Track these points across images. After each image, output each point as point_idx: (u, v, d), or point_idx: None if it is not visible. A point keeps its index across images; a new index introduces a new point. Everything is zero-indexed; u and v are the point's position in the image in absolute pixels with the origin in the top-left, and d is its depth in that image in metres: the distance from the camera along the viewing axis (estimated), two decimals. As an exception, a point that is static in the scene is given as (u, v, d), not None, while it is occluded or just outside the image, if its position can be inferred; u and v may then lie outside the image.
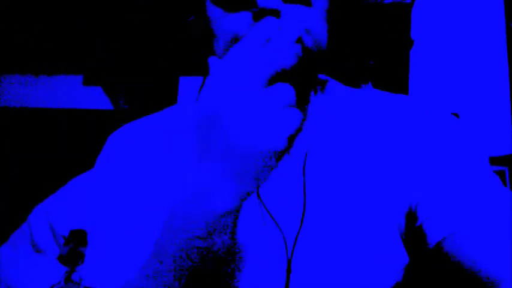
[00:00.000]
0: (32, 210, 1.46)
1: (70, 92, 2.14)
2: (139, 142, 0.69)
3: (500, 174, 1.73)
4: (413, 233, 0.61)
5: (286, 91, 0.46)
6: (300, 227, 0.60)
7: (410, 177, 0.62)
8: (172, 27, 2.06)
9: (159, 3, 1.98)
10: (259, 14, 0.52)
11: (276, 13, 0.52)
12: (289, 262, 0.59)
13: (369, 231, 0.60)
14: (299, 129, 0.46)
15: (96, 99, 2.13)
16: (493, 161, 1.73)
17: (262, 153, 0.45)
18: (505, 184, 1.73)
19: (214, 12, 0.58)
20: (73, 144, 1.97)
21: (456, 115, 1.77)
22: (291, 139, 0.46)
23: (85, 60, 2.15)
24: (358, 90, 0.70)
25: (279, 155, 0.46)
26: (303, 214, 0.60)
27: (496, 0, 1.88)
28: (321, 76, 0.71)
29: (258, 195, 0.62)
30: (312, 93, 0.66)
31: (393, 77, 1.68)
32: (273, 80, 0.47)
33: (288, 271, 0.59)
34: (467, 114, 1.79)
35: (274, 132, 0.45)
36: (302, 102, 0.62)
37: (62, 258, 1.37)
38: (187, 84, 2.08)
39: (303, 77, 0.57)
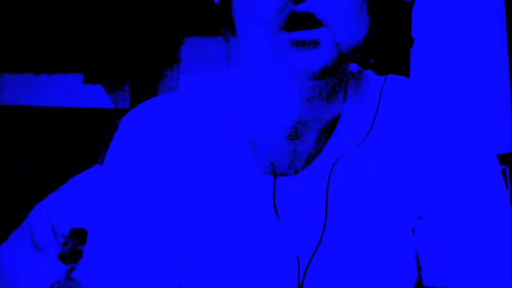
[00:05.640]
0: (32, 209, 1.45)
1: (70, 92, 2.14)
2: (160, 134, 0.60)
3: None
4: None
5: None
6: (316, 249, 0.56)
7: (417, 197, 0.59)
8: (173, 25, 2.05)
9: (160, 3, 1.98)
10: None
11: None
12: (300, 286, 0.56)
13: (385, 253, 0.58)
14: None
15: (96, 98, 2.13)
16: (493, 160, 1.73)
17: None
18: (505, 183, 1.73)
19: None
20: (73, 144, 1.97)
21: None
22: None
23: (85, 58, 2.14)
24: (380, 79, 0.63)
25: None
26: (321, 237, 0.56)
27: (496, 0, 1.88)
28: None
29: (276, 212, 0.57)
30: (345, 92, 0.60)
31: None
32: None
33: None
34: (467, 114, 1.78)
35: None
36: (332, 103, 0.57)
37: (62, 257, 1.37)
38: (187, 84, 2.08)
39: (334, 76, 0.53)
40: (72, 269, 1.36)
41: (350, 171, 0.58)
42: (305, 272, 0.56)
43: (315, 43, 0.48)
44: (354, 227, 0.57)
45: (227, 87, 0.62)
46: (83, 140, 1.94)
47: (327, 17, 0.48)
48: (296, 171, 0.58)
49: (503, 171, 1.73)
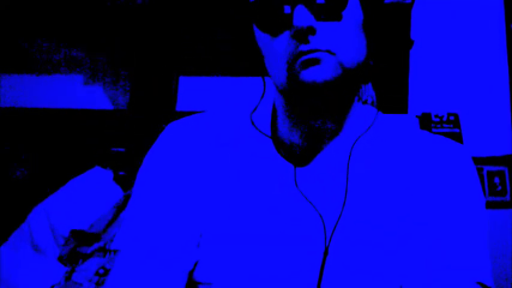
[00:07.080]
0: (31, 210, 1.46)
1: (70, 92, 2.15)
2: (200, 150, 0.70)
3: (500, 174, 1.73)
4: None
5: None
6: (340, 216, 0.64)
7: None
8: (173, 28, 2.06)
9: (162, 3, 1.98)
10: (298, 33, 0.59)
11: (311, 31, 0.59)
12: (326, 248, 0.63)
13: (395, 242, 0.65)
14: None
15: (96, 99, 2.13)
16: (493, 161, 1.73)
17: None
18: (504, 184, 1.73)
19: (263, 39, 0.65)
20: (73, 144, 1.97)
21: (456, 115, 1.77)
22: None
23: (86, 59, 2.15)
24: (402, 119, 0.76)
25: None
26: (343, 205, 0.65)
27: (496, 1, 1.88)
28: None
29: (296, 184, 0.66)
30: (357, 103, 0.70)
31: (393, 77, 1.68)
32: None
33: (325, 254, 0.63)
34: (467, 114, 1.79)
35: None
36: (343, 111, 0.67)
37: (62, 259, 1.37)
38: (187, 84, 2.08)
39: (343, 89, 0.63)
40: (72, 271, 1.36)
41: (368, 162, 0.68)
42: (331, 235, 0.64)
43: (316, 61, 0.59)
44: (371, 199, 0.66)
45: (263, 100, 0.75)
46: (82, 141, 1.94)
47: (329, 47, 0.60)
48: (312, 159, 0.69)
49: (503, 172, 1.73)
